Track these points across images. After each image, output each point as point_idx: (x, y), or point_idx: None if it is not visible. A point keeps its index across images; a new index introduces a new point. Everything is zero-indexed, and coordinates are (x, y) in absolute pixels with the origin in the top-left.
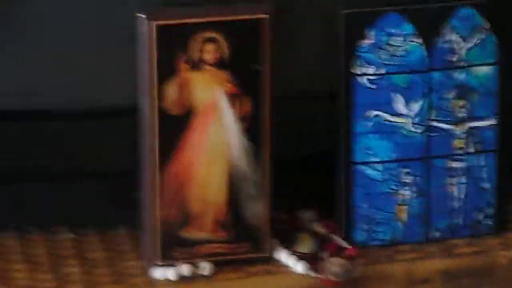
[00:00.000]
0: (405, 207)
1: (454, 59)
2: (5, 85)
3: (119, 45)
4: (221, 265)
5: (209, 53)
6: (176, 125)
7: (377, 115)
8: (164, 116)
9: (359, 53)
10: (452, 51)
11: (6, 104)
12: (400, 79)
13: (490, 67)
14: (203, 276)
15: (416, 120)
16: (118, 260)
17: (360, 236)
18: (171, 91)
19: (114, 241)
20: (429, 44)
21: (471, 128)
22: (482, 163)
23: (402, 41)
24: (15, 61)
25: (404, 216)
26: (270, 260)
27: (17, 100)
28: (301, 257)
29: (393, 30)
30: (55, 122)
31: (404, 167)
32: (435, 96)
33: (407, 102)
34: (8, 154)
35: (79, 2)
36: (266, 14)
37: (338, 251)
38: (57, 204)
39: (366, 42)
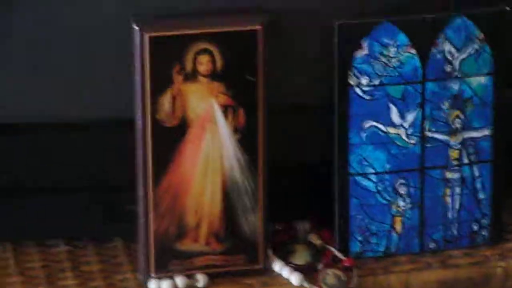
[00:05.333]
0: (400, 218)
1: (449, 69)
2: None
3: (115, 57)
4: (217, 277)
5: (203, 64)
6: (171, 137)
7: (372, 126)
8: (159, 128)
9: (354, 64)
10: (447, 61)
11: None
12: (394, 90)
13: (485, 77)
14: None
15: (411, 130)
16: (113, 272)
17: (355, 247)
18: (165, 102)
19: (109, 254)
20: (423, 54)
21: (466, 138)
22: (477, 173)
23: (396, 51)
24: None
25: (399, 227)
26: (266, 271)
27: (13, 113)
28: (296, 268)
29: (387, 41)
30: (52, 134)
31: (399, 178)
32: (430, 107)
33: (402, 112)
34: (2, 167)
35: (72, 13)
36: (260, 25)
37: (333, 262)
38: (52, 216)
39: (361, 53)
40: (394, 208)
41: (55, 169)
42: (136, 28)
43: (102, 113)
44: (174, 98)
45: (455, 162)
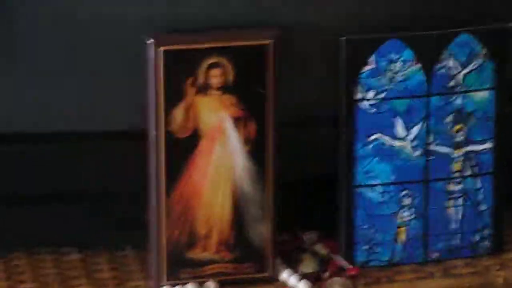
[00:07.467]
0: (404, 229)
1: (452, 84)
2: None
3: (127, 70)
4: (226, 285)
5: (215, 77)
6: (183, 148)
7: (377, 139)
8: (171, 139)
9: (361, 79)
10: (450, 76)
11: (21, 126)
12: (400, 104)
13: (487, 92)
14: None
15: (415, 143)
16: (125, 280)
17: (360, 256)
18: (178, 115)
19: (121, 261)
20: (428, 69)
21: (469, 151)
22: (479, 185)
23: (402, 66)
24: (9, 84)
25: (403, 237)
26: (274, 280)
27: (37, 122)
28: (303, 277)
29: (393, 56)
30: (70, 144)
31: (404, 189)
32: (434, 120)
33: (407, 126)
34: (18, 175)
35: (86, 25)
36: (271, 39)
37: (339, 271)
38: (66, 224)
39: (367, 67)
40: (398, 219)
41: (70, 178)
42: (151, 41)
43: (118, 123)
44: (186, 110)
45: (457, 175)
